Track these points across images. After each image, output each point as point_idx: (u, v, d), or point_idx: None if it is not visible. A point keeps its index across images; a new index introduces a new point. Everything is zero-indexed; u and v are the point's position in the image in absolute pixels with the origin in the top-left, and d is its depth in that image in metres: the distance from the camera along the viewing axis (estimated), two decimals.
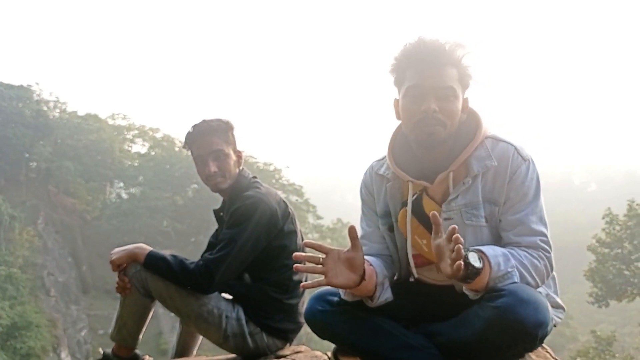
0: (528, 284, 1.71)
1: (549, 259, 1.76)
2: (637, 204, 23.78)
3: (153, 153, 47.65)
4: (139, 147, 51.48)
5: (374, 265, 1.85)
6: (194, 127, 2.57)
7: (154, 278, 2.43)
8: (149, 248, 2.49)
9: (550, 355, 2.08)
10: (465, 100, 1.85)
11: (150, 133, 50.63)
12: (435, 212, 1.60)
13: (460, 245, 1.48)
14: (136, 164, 47.72)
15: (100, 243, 38.98)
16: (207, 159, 2.54)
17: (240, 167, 2.65)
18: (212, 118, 2.61)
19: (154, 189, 41.76)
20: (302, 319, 2.55)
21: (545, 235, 1.78)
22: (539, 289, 1.82)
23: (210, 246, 2.68)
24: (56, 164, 40.92)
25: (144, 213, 39.94)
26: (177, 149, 46.26)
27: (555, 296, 1.97)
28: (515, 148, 1.82)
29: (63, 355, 31.35)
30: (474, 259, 1.60)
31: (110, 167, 45.10)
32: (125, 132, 51.05)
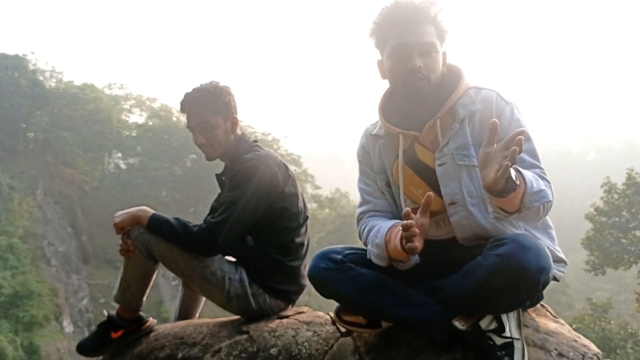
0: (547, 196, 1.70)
1: (551, 187, 1.78)
2: (636, 173, 23.82)
3: (151, 123, 47.35)
4: (137, 117, 51.15)
5: None
6: (184, 96, 2.58)
7: (157, 240, 2.45)
8: (151, 211, 2.51)
9: (550, 313, 2.10)
10: (444, 54, 1.97)
11: (148, 103, 50.21)
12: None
13: (516, 148, 1.49)
14: (134, 134, 47.47)
15: (100, 213, 39.09)
16: (195, 131, 2.57)
17: (239, 132, 2.65)
18: (203, 84, 2.60)
19: (152, 159, 41.64)
20: (304, 281, 2.59)
21: (541, 169, 1.83)
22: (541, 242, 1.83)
23: (213, 210, 2.69)
24: (54, 135, 40.72)
25: (142, 183, 39.91)
26: (174, 119, 46.04)
27: (556, 250, 1.99)
28: (498, 93, 1.94)
29: (65, 323, 31.77)
30: (514, 175, 1.60)
31: (108, 138, 44.86)
32: (123, 102, 50.61)
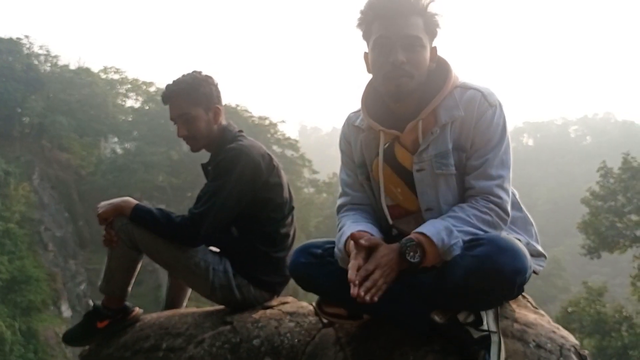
0: None
1: (500, 205, 1.79)
2: (632, 157, 23.89)
3: (147, 107, 47.02)
4: (133, 101, 50.81)
5: (374, 234, 1.86)
6: (165, 88, 2.58)
7: (140, 231, 2.45)
8: (135, 201, 2.50)
9: (531, 304, 2.11)
10: (434, 50, 1.87)
11: (144, 87, 49.83)
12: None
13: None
14: (130, 119, 47.21)
15: (96, 198, 38.20)
16: (177, 123, 2.56)
17: (223, 122, 2.64)
18: (184, 75, 2.58)
19: (148, 144, 41.46)
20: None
21: (503, 179, 1.81)
22: (519, 237, 1.88)
23: (198, 199, 2.68)
24: (49, 119, 40.43)
25: (139, 168, 39.74)
26: None
27: (536, 244, 2.00)
28: (483, 94, 1.84)
29: (63, 308, 31.90)
30: (412, 255, 1.68)
31: (104, 122, 44.59)
32: (118, 87, 50.19)
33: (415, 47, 1.79)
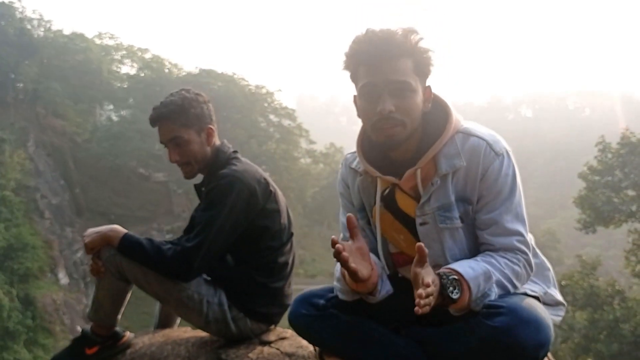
0: (509, 292, 1.64)
1: (527, 261, 1.67)
2: (630, 132, 23.75)
3: (142, 74, 46.50)
4: (128, 68, 50.16)
5: (379, 267, 1.74)
6: (153, 111, 2.42)
7: (129, 262, 2.30)
8: (123, 231, 2.35)
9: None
10: (428, 89, 1.70)
11: (139, 54, 49.12)
12: (421, 244, 1.48)
13: (428, 300, 1.39)
14: (125, 86, 46.65)
15: (92, 166, 38.91)
16: (168, 147, 2.41)
17: (216, 142, 2.48)
18: (172, 96, 2.42)
19: (144, 112, 40.78)
20: (288, 301, 2.46)
21: (522, 235, 1.67)
22: (537, 288, 1.76)
23: (192, 221, 2.52)
24: (43, 85, 39.89)
25: (134, 136, 39.41)
26: (166, 70, 45.29)
27: (554, 292, 1.87)
28: (488, 143, 1.67)
29: (60, 275, 32.08)
30: (452, 290, 1.51)
31: (99, 89, 44.07)
32: (113, 53, 49.44)
33: (404, 93, 1.62)
